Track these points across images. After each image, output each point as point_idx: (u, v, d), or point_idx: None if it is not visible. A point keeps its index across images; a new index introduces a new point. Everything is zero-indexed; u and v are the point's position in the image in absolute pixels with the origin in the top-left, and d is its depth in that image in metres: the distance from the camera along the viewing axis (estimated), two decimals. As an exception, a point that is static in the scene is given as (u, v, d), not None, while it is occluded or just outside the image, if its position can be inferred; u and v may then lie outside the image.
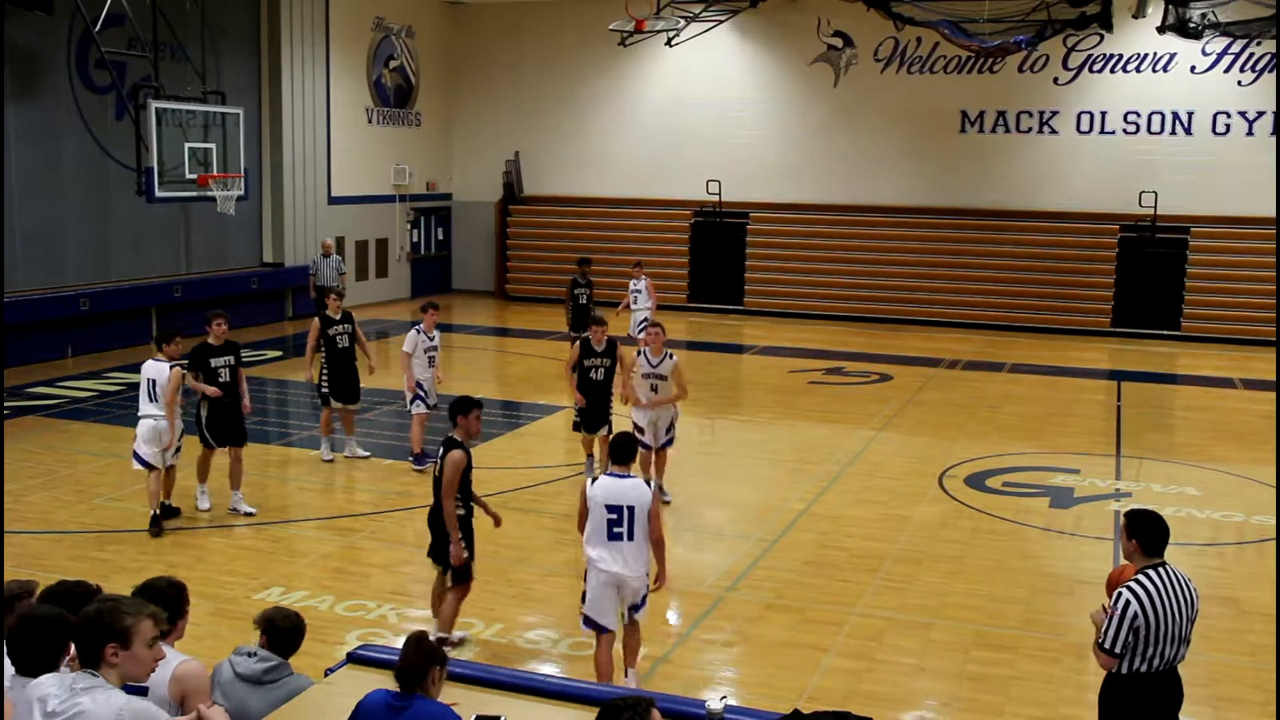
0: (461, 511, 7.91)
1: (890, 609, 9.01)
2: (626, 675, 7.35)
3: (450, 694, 5.05)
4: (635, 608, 7.25)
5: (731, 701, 5.09)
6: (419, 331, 12.72)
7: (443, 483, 7.79)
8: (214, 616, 8.35)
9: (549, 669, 7.87)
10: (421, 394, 12.74)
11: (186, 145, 18.91)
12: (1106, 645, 5.42)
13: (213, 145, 19.62)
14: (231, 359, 11.01)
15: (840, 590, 9.39)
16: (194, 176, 18.96)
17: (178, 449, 10.76)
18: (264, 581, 9.25)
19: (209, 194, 19.44)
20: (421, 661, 4.61)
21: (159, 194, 18.62)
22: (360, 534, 10.69)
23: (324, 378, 13.09)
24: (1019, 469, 13.32)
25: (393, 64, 27.04)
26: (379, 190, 26.81)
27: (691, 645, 8.29)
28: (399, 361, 12.88)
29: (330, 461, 13.08)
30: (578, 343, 12.20)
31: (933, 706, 7.46)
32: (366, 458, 13.21)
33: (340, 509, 11.68)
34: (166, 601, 4.69)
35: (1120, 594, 5.42)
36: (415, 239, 28.36)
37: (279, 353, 20.27)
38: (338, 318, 13.13)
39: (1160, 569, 5.48)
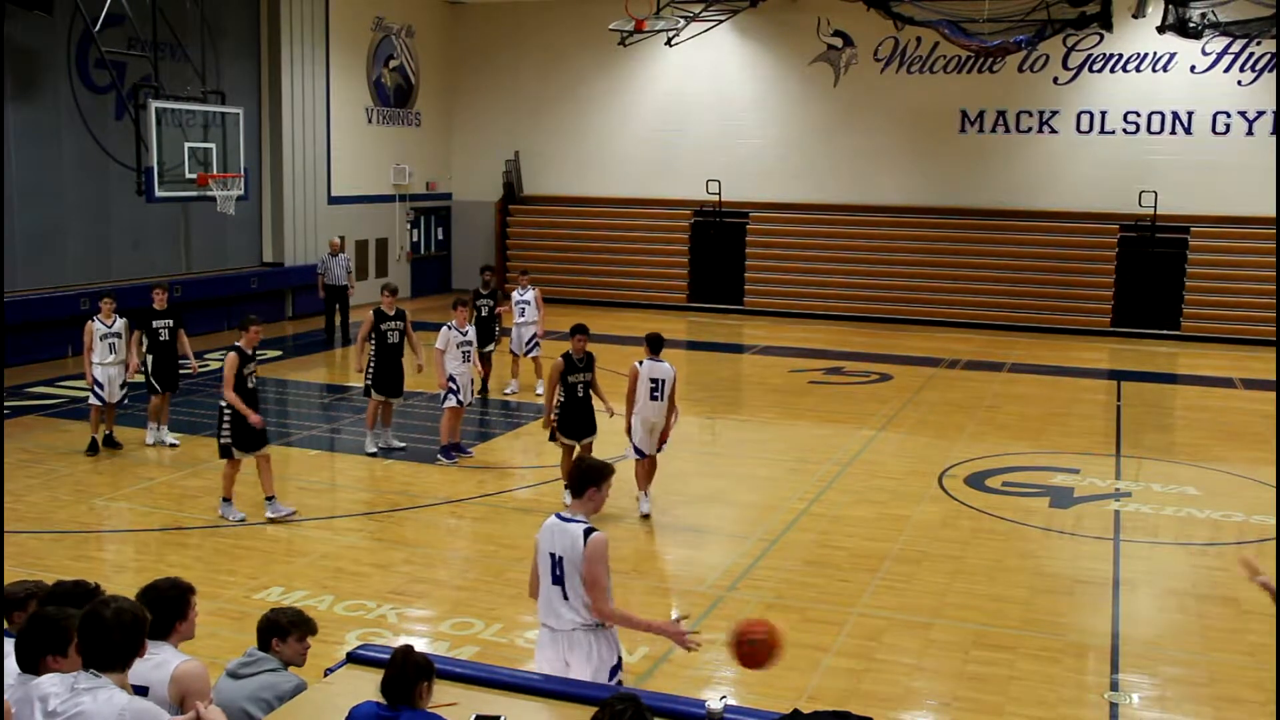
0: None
1: (890, 609, 9.01)
2: (644, 495, 11.18)
3: (450, 694, 5.05)
4: (659, 446, 11.17)
5: (731, 701, 5.08)
6: (451, 328, 12.99)
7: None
8: (214, 617, 8.34)
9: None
10: (454, 388, 12.93)
11: (186, 145, 18.89)
12: None
13: (212, 145, 19.61)
14: (171, 322, 13.51)
15: (840, 590, 9.39)
16: (194, 176, 18.94)
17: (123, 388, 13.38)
18: (264, 581, 9.24)
19: (209, 194, 19.43)
20: (409, 677, 4.61)
21: (159, 194, 18.61)
22: (360, 534, 10.69)
23: (370, 371, 13.29)
24: (1019, 469, 13.32)
25: (392, 64, 27.05)
26: (379, 190, 26.81)
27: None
28: (432, 358, 13.10)
29: (375, 455, 13.23)
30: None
31: (932, 706, 7.46)
32: (403, 449, 13.43)
33: (340, 509, 11.68)
34: (168, 603, 4.73)
35: None
36: (415, 239, 28.36)
37: (279, 353, 20.26)
38: (392, 313, 13.44)
39: None
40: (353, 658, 5.55)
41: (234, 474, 10.87)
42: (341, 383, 18.15)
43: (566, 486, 5.82)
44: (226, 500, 10.89)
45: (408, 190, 27.60)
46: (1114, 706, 7.42)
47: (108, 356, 13.09)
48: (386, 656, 5.02)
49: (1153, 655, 8.21)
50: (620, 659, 5.91)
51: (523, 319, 16.93)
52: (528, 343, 16.91)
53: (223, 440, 10.76)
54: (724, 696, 5.14)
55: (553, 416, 11.19)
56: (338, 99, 25.16)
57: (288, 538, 10.50)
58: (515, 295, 17.13)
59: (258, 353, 11.14)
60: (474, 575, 9.63)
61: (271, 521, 10.78)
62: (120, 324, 13.25)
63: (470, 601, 8.95)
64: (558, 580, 5.70)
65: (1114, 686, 7.68)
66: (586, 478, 5.88)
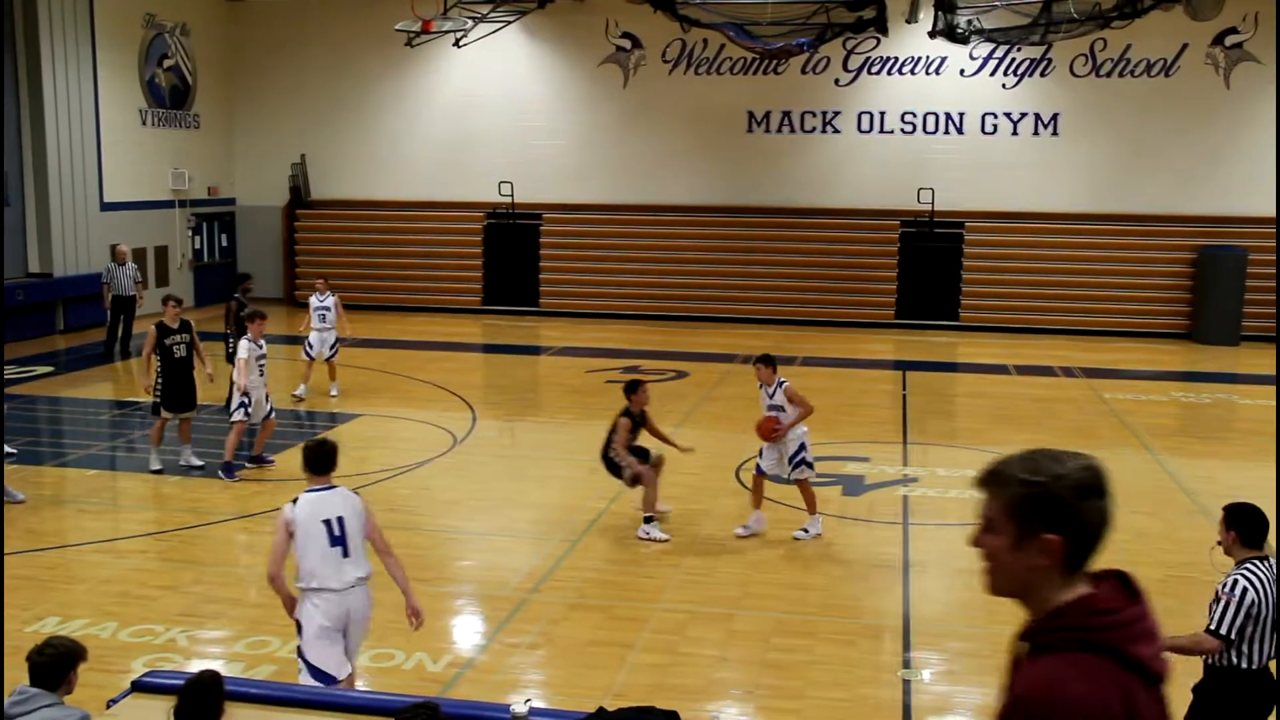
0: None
1: (693, 602, 9.12)
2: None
3: (245, 716, 4.86)
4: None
5: (537, 704, 5.05)
6: (249, 340, 12.73)
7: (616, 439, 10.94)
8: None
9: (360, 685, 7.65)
10: (246, 403, 12.61)
11: (-61, 148, 17.69)
12: (1223, 630, 5.33)
13: (-34, 148, 18.40)
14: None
15: (643, 586, 9.46)
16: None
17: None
18: (37, 612, 8.69)
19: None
20: (216, 702, 4.45)
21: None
22: (147, 555, 10.20)
23: (158, 387, 12.77)
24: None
25: (167, 63, 25.91)
26: (156, 195, 25.66)
27: (495, 650, 8.21)
28: (236, 367, 12.71)
29: (159, 472, 12.63)
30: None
31: (736, 695, 7.59)
32: (201, 468, 12.79)
33: (124, 530, 11.10)
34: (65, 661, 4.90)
35: (1236, 580, 5.39)
36: (197, 245, 27.26)
37: (50, 368, 19.15)
38: (175, 326, 12.81)
39: (1264, 560, 5.46)
40: (137, 685, 5.27)
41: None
42: (125, 398, 17.31)
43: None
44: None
45: (188, 195, 26.50)
46: (907, 684, 7.70)
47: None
48: (177, 682, 4.80)
49: (942, 632, 8.56)
50: None
51: (323, 324, 16.69)
52: (331, 347, 16.72)
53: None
54: (528, 700, 5.10)
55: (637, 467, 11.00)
56: (107, 99, 23.94)
57: (65, 563, 9.93)
58: (314, 301, 16.82)
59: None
60: (269, 592, 9.29)
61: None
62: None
63: (266, 619, 8.63)
64: (338, 542, 6.27)
65: (906, 664, 7.97)
66: (333, 457, 6.58)
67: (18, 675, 5.35)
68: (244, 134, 28.25)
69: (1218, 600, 5.42)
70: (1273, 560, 5.54)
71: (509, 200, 26.50)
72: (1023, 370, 20.29)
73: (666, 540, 10.62)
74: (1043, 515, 2.45)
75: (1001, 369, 20.56)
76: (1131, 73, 24.32)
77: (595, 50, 26.30)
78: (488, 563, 10.21)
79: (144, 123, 25.25)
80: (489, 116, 26.81)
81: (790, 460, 10.70)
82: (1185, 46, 23.88)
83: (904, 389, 18.62)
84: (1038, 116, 24.70)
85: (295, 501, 6.41)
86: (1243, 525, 5.55)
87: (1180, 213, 24.32)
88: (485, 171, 26.64)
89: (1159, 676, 2.47)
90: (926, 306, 25.15)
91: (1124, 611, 2.46)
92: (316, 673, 6.28)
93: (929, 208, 24.78)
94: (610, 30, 26.14)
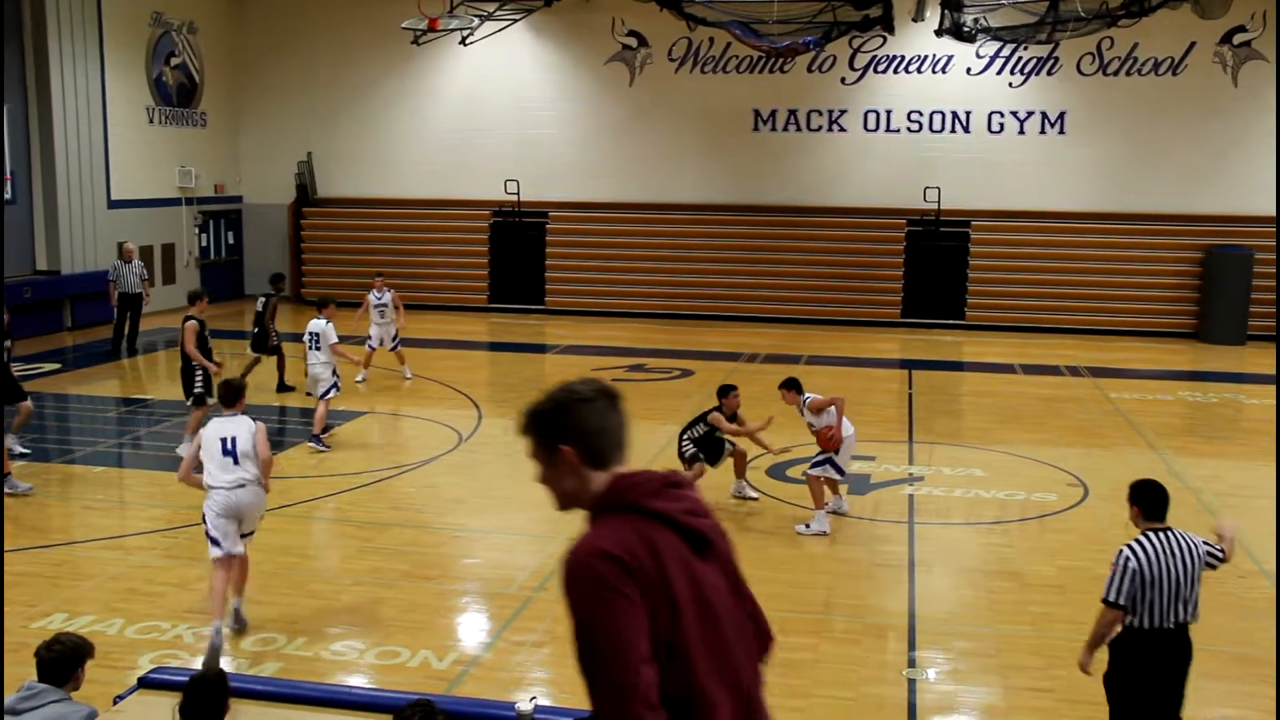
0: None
1: (698, 600, 9.11)
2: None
3: (249, 713, 4.88)
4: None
5: (542, 702, 5.06)
6: (331, 324, 13.96)
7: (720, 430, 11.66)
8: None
9: (357, 680, 7.68)
10: (337, 381, 14.02)
11: (-53, 146, 17.74)
12: (1111, 597, 5.85)
13: (-26, 145, 18.45)
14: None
15: (649, 584, 9.45)
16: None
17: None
18: (44, 609, 8.71)
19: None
20: (213, 706, 4.48)
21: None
22: (154, 552, 10.22)
23: (198, 379, 12.99)
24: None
25: (174, 61, 25.96)
26: (163, 193, 25.71)
27: (501, 647, 8.22)
28: (336, 350, 14.08)
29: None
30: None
31: (741, 694, 7.58)
32: None
33: (131, 526, 11.14)
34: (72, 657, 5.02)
35: (1121, 551, 5.86)
36: (204, 243, 27.31)
37: (57, 365, 19.21)
38: (204, 319, 13.34)
39: (1161, 532, 5.91)
40: (144, 682, 5.30)
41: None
42: (132, 394, 17.36)
43: None
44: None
45: (194, 193, 26.54)
46: (912, 683, 7.70)
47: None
48: (183, 679, 4.82)
49: (946, 631, 8.56)
50: None
51: (383, 320, 17.83)
52: (394, 339, 17.84)
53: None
54: (534, 698, 5.12)
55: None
56: (115, 97, 24.00)
57: (72, 560, 9.96)
58: (373, 298, 17.94)
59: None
60: (275, 589, 9.33)
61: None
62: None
63: (272, 616, 8.66)
64: (229, 453, 8.10)
65: (911, 663, 7.98)
66: (240, 393, 8.49)
67: (25, 671, 5.38)
68: (250, 132, 28.29)
69: (1113, 569, 5.91)
70: (1177, 531, 5.94)
71: (515, 198, 26.52)
72: (1029, 369, 20.26)
73: None
74: (552, 432, 2.96)
75: (1008, 368, 20.54)
76: (1139, 71, 24.29)
77: (601, 49, 26.30)
78: (493, 561, 10.22)
79: (151, 121, 25.30)
80: (495, 114, 26.83)
81: (815, 459, 11.20)
82: (1193, 45, 23.85)
83: (910, 388, 18.61)
84: (1044, 115, 24.67)
85: (211, 421, 8.31)
86: (1143, 500, 6.03)
87: (1187, 212, 24.30)
88: (491, 169, 26.66)
89: (698, 533, 3.00)
90: (932, 305, 25.13)
91: (642, 479, 2.91)
92: (214, 541, 8.04)
93: (935, 206, 24.76)
94: (616, 29, 26.14)
